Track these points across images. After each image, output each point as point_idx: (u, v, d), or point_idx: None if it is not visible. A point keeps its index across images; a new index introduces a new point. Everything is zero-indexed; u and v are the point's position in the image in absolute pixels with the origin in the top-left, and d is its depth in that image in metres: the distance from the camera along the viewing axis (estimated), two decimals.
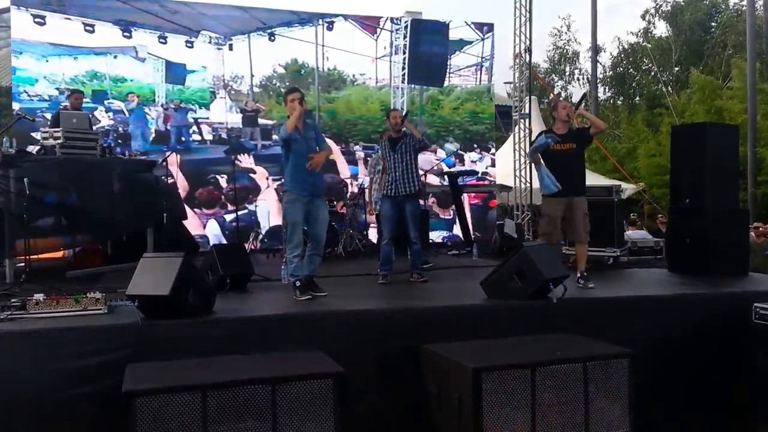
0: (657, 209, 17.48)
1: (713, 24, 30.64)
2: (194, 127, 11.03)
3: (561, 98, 30.24)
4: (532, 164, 6.91)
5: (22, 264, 6.84)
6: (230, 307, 5.24)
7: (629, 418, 4.50)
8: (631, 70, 32.89)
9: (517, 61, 13.30)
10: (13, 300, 4.99)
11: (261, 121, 11.57)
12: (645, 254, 9.70)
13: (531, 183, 12.87)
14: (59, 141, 7.34)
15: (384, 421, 4.87)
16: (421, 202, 9.25)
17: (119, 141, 10.33)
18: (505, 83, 20.47)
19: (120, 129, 10.49)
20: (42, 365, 4.26)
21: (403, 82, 12.71)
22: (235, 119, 11.37)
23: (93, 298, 4.96)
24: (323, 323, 5.04)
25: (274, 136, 10.82)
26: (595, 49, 28.61)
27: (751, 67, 17.98)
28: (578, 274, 6.70)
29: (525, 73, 13.27)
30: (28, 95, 9.80)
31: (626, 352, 4.61)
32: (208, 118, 11.07)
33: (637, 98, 32.24)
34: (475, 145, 13.38)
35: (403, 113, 7.63)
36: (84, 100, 8.95)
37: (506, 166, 13.69)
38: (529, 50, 13.11)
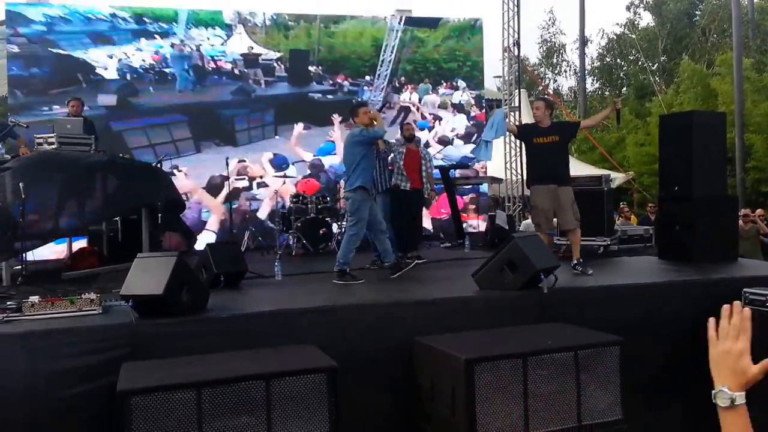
0: (647, 198, 17.54)
1: (697, 13, 30.73)
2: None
3: (547, 91, 30.36)
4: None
5: (19, 267, 6.87)
6: (224, 305, 5.26)
7: (621, 406, 4.54)
8: (619, 60, 32.96)
9: (506, 54, 13.35)
10: (8, 302, 5.01)
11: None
12: (635, 242, 9.75)
13: (522, 174, 12.93)
14: (53, 146, 7.42)
15: (377, 414, 4.91)
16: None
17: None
18: (494, 77, 20.53)
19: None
20: (38, 366, 4.27)
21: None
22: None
23: (88, 299, 4.98)
24: (316, 318, 5.06)
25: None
26: (583, 41, 28.68)
27: (738, 52, 18.03)
28: (574, 261, 6.75)
29: (514, 66, 13.32)
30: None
31: (617, 340, 4.63)
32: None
33: (625, 88, 32.32)
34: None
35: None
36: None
37: (497, 158, 13.71)
38: (517, 44, 13.17)
